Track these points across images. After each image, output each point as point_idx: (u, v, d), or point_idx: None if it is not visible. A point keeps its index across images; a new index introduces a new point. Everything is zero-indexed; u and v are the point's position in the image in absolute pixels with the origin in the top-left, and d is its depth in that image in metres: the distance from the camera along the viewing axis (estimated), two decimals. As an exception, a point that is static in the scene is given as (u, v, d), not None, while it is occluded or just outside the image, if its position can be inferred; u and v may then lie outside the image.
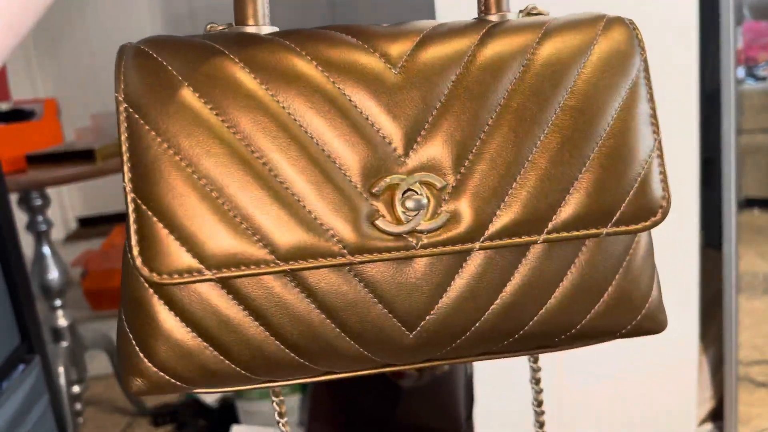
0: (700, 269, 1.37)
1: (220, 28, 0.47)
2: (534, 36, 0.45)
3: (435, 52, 0.44)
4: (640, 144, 0.45)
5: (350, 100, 0.43)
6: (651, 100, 0.46)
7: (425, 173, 0.43)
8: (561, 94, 0.44)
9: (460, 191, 0.43)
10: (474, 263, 0.44)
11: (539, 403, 0.58)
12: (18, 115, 1.81)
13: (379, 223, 0.42)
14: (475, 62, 0.44)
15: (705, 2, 1.33)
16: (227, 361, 0.45)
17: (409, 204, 0.42)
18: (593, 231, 0.45)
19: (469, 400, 1.51)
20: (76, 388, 1.76)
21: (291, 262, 0.42)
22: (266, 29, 0.46)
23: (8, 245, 1.10)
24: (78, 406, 1.79)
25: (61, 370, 1.68)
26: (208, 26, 0.47)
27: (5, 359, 1.07)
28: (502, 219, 0.43)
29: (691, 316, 1.38)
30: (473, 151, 0.43)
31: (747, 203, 1.95)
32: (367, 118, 0.43)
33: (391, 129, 0.43)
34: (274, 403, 0.55)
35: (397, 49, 0.44)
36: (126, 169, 0.42)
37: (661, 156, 0.46)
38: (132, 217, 0.42)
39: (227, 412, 1.80)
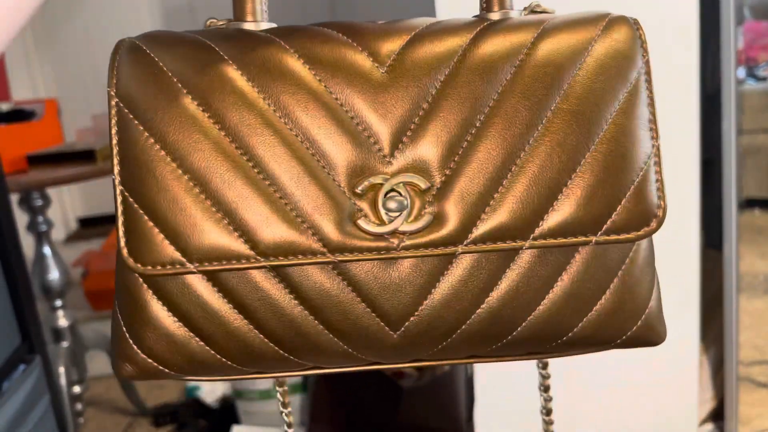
0: (700, 269, 1.37)
1: (220, 23, 0.47)
2: (529, 35, 0.44)
3: (425, 51, 0.44)
4: (637, 150, 0.44)
5: (336, 99, 0.43)
6: (651, 104, 0.45)
7: (409, 174, 0.43)
8: (553, 96, 0.43)
9: (444, 193, 0.43)
10: (460, 266, 0.44)
11: (548, 412, 0.58)
12: (19, 115, 1.81)
13: (360, 222, 0.42)
14: (465, 62, 0.43)
15: (705, 2, 1.33)
16: (213, 352, 0.45)
17: (391, 205, 0.42)
18: (582, 239, 0.44)
19: (469, 401, 1.51)
20: (76, 389, 1.76)
21: (272, 259, 0.42)
22: (264, 25, 0.47)
23: (9, 245, 1.10)
24: (79, 406, 1.79)
25: (61, 370, 1.68)
26: (208, 21, 0.47)
27: (6, 359, 1.07)
28: (487, 223, 0.43)
29: (692, 316, 1.38)
30: (459, 153, 0.43)
31: (747, 203, 1.95)
32: (353, 117, 0.43)
33: (376, 128, 0.43)
34: (279, 393, 0.56)
35: (387, 47, 0.44)
36: (115, 162, 0.43)
37: (658, 163, 0.44)
38: (120, 209, 0.43)
39: (228, 412, 1.80)
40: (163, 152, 0.42)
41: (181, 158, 0.42)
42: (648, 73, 0.45)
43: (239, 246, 0.42)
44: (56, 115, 1.88)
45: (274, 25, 0.47)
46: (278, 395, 0.56)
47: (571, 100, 0.43)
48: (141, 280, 0.45)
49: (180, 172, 0.42)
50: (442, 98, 0.43)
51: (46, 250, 1.74)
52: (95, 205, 3.72)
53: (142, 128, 0.43)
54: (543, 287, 0.45)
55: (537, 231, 0.43)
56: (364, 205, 0.43)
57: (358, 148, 0.43)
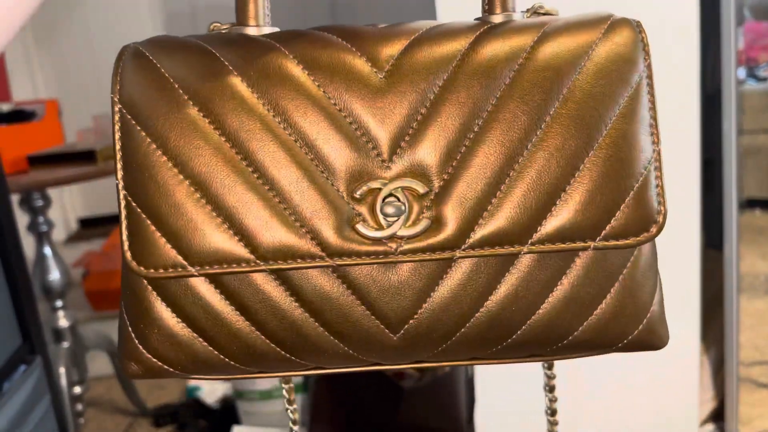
0: (701, 270, 1.37)
1: (224, 27, 0.47)
2: (529, 39, 0.44)
3: (423, 55, 0.44)
4: (637, 155, 0.43)
5: (334, 104, 0.43)
6: (652, 108, 0.44)
7: (408, 179, 0.43)
8: (552, 101, 0.43)
9: (442, 198, 0.43)
10: (459, 270, 0.44)
11: (553, 412, 0.58)
12: (19, 115, 1.81)
13: (359, 227, 0.43)
14: (464, 67, 0.43)
15: (706, 2, 1.33)
16: (216, 352, 0.46)
17: (389, 210, 0.43)
18: (581, 244, 0.43)
19: (470, 401, 1.51)
20: (77, 389, 1.76)
21: (271, 262, 0.43)
22: (267, 30, 0.47)
23: (9, 246, 1.10)
24: (79, 406, 1.79)
25: (62, 370, 1.68)
26: (211, 25, 0.48)
27: (7, 360, 1.07)
28: (485, 228, 0.43)
29: (693, 316, 1.38)
30: (458, 157, 0.43)
31: (748, 204, 1.95)
32: (351, 123, 0.43)
33: (375, 133, 0.43)
34: (284, 390, 0.57)
35: (386, 52, 0.44)
36: (119, 167, 0.44)
37: (659, 168, 0.44)
38: (123, 213, 0.44)
39: (228, 412, 1.80)
40: (164, 158, 0.43)
41: (182, 164, 0.43)
42: (650, 76, 0.44)
43: (240, 250, 0.43)
44: (57, 116, 1.88)
45: (276, 29, 0.47)
46: (284, 392, 0.57)
47: (570, 105, 0.43)
48: (145, 282, 0.45)
49: (181, 177, 0.43)
50: (441, 103, 0.43)
51: (47, 250, 1.74)
52: (96, 205, 3.72)
53: (144, 134, 0.43)
54: (543, 291, 0.45)
55: (535, 236, 0.43)
56: (363, 210, 0.43)
57: (356, 153, 0.43)
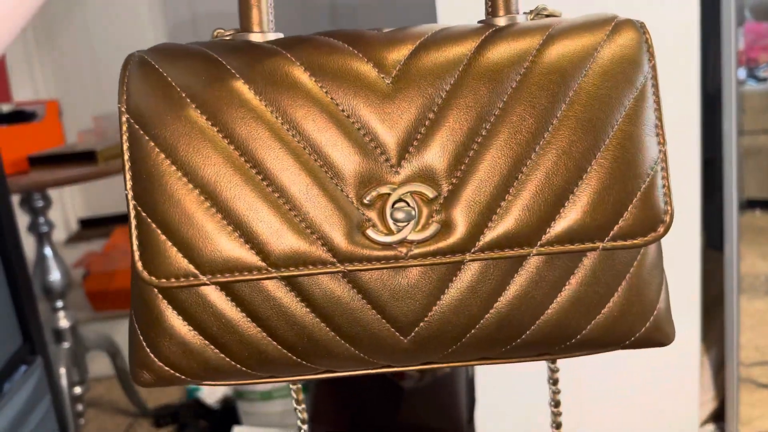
0: (701, 270, 1.37)
1: (227, 34, 0.47)
2: (535, 42, 0.44)
3: (430, 60, 0.44)
4: (643, 156, 0.44)
5: (342, 110, 0.43)
6: (658, 109, 0.45)
7: (416, 183, 0.43)
8: (559, 104, 0.43)
9: (451, 202, 0.43)
10: (468, 273, 0.44)
11: (556, 404, 0.58)
12: (19, 116, 1.81)
13: (369, 232, 0.43)
14: (470, 71, 0.44)
15: (706, 3, 1.33)
16: (228, 359, 0.46)
17: (398, 215, 0.43)
18: (589, 245, 0.44)
19: (470, 402, 1.51)
20: (77, 390, 1.76)
21: (282, 269, 0.43)
22: (271, 36, 0.47)
23: (10, 246, 1.10)
24: (79, 407, 1.79)
25: (62, 371, 1.68)
26: (215, 32, 0.48)
27: (7, 360, 1.07)
28: (494, 231, 0.43)
29: (693, 317, 1.38)
30: (466, 161, 0.43)
31: (748, 204, 1.95)
32: (360, 128, 0.43)
33: (383, 138, 0.43)
34: (292, 391, 0.57)
35: (392, 57, 0.44)
36: (128, 177, 0.44)
37: (665, 168, 0.45)
38: (133, 223, 0.44)
39: (228, 412, 1.80)
40: (173, 167, 0.43)
41: (191, 172, 0.43)
42: (654, 77, 0.45)
43: (251, 258, 0.43)
44: (57, 116, 1.88)
45: (280, 35, 0.47)
46: (292, 392, 0.57)
47: (576, 108, 0.43)
48: (156, 291, 0.45)
49: (191, 186, 0.43)
50: (448, 107, 0.43)
51: (47, 251, 1.74)
52: (96, 206, 3.72)
53: (152, 144, 0.43)
54: (551, 291, 0.45)
55: (544, 238, 0.43)
56: (373, 215, 0.43)
57: (365, 159, 0.43)
